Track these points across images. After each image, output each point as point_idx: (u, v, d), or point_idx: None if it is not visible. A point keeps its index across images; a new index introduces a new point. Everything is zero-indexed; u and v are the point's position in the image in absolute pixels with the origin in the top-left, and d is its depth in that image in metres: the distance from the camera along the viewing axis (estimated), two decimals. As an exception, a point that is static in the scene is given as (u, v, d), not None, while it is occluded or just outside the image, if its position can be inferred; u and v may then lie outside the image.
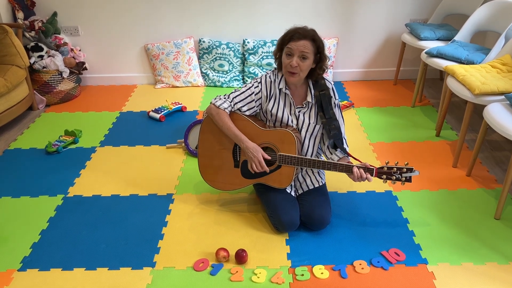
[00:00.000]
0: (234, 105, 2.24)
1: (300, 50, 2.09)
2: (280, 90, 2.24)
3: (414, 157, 2.94)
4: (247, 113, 2.28)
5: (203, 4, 3.88)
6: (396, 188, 2.64)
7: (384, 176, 2.14)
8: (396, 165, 2.12)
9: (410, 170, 2.10)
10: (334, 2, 3.88)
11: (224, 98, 2.25)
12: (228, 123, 2.22)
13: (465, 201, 2.52)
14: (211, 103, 2.26)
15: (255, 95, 2.25)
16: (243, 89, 2.25)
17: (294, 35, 2.09)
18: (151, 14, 3.91)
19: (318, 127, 2.28)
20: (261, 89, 2.25)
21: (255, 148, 2.20)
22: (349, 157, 2.25)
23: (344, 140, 2.27)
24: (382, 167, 2.13)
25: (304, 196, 2.34)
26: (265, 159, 2.22)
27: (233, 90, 2.28)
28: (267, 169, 2.21)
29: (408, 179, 2.11)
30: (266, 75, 2.26)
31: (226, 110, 2.23)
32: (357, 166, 2.11)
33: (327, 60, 2.21)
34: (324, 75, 2.25)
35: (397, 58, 3.99)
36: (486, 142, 3.09)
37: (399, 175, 2.11)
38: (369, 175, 2.11)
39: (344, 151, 2.23)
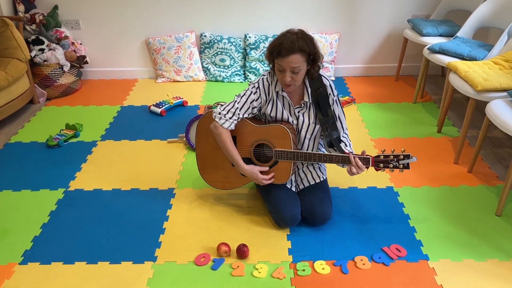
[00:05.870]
0: (239, 117, 2.19)
1: (291, 66, 2.01)
2: (277, 93, 2.20)
3: (415, 153, 2.90)
4: (246, 116, 2.23)
5: (205, -2, 3.87)
6: (397, 184, 2.63)
7: (381, 165, 2.10)
8: (392, 153, 2.10)
9: (407, 156, 2.07)
10: (336, -3, 3.87)
11: (228, 112, 2.17)
12: (229, 145, 2.19)
13: (466, 197, 2.52)
14: (214, 114, 2.19)
15: (255, 101, 2.21)
16: (244, 99, 2.19)
17: (280, 51, 1.99)
18: (153, 8, 3.89)
19: (317, 127, 2.25)
20: (260, 94, 2.21)
21: (250, 170, 2.23)
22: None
23: (345, 136, 2.26)
24: (378, 156, 2.10)
25: (305, 191, 2.33)
26: (262, 155, 2.26)
27: (235, 99, 2.19)
28: (266, 168, 2.23)
29: (406, 166, 2.08)
30: (263, 78, 2.21)
31: (229, 128, 2.18)
32: (353, 155, 2.09)
33: (322, 58, 2.14)
34: (325, 71, 2.23)
35: (399, 54, 3.97)
36: (488, 138, 3.09)
37: (396, 163, 2.09)
38: (361, 164, 2.08)
39: (340, 150, 2.18)
